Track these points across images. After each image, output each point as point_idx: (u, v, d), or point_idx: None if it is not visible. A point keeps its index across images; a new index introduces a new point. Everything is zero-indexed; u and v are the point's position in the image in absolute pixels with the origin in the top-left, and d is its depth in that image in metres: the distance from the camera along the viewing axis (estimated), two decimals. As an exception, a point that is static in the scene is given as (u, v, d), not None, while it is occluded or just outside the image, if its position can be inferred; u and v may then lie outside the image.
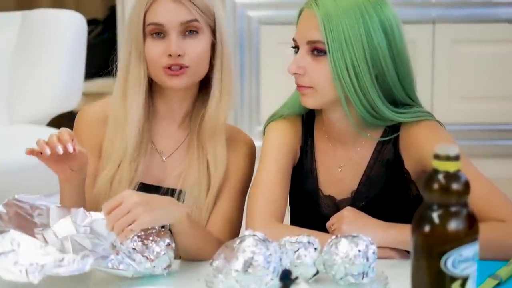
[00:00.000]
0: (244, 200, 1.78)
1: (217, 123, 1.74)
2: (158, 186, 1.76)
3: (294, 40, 1.68)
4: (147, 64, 1.71)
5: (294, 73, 1.65)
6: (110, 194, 1.70)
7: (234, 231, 1.75)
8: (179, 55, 1.68)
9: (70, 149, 1.54)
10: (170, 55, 1.67)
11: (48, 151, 1.53)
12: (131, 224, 1.44)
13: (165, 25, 1.68)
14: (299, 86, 1.67)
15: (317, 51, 1.63)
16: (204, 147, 1.75)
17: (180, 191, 1.75)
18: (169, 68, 1.69)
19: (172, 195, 1.73)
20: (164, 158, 1.79)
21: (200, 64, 1.72)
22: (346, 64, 1.61)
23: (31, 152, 1.55)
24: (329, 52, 1.62)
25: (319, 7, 1.63)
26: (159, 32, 1.69)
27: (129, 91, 1.73)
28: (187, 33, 1.69)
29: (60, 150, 1.53)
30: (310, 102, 1.67)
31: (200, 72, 1.73)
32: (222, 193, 1.75)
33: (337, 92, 1.63)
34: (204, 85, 1.77)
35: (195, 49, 1.70)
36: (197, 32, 1.70)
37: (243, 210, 1.78)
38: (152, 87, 1.77)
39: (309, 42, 1.64)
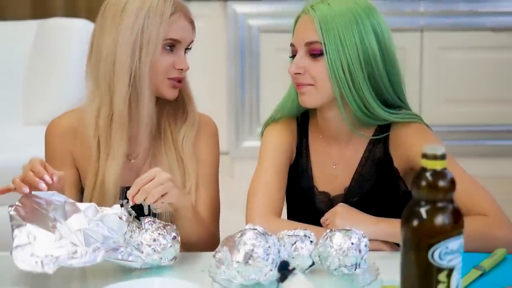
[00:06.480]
0: (218, 181, 1.79)
1: (187, 131, 1.75)
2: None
3: (292, 45, 1.69)
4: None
5: (295, 73, 1.66)
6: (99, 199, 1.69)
7: (216, 215, 1.76)
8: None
9: (50, 181, 1.51)
10: (181, 69, 1.70)
11: (26, 189, 1.50)
12: (162, 197, 1.49)
13: (181, 41, 1.70)
14: (299, 85, 1.67)
15: (314, 52, 1.64)
16: (175, 148, 1.74)
17: None
18: (177, 81, 1.70)
19: None
20: (132, 160, 1.75)
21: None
22: (341, 63, 1.62)
23: (6, 191, 1.52)
24: (326, 52, 1.63)
25: (315, 11, 1.64)
26: (171, 46, 1.69)
27: (140, 97, 1.67)
28: (186, 50, 1.73)
29: (45, 187, 1.51)
30: (309, 101, 1.67)
31: None
32: (198, 182, 1.74)
33: (333, 90, 1.64)
34: None
35: (188, 65, 1.73)
36: (190, 49, 1.75)
37: (219, 191, 1.79)
38: None
39: (307, 44, 1.65)
